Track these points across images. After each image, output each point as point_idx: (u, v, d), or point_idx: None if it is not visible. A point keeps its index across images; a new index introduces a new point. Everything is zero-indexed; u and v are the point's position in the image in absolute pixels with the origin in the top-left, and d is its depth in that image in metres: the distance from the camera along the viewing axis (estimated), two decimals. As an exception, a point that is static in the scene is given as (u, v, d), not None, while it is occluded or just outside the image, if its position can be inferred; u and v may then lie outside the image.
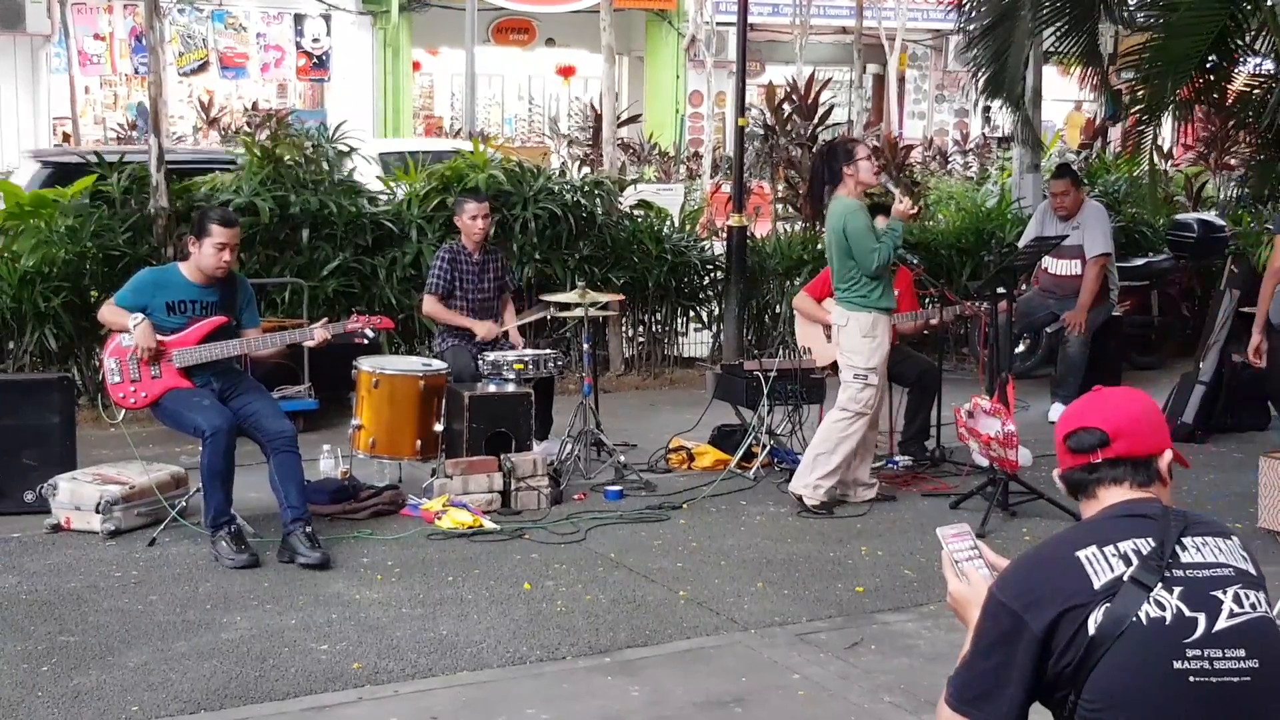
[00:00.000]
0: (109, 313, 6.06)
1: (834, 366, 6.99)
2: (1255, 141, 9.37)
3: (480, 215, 7.42)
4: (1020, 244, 9.08)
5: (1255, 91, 8.64)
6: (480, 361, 7.10)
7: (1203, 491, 7.17)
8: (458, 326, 7.37)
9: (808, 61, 18.43)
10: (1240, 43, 7.91)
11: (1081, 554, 2.30)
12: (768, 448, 7.34)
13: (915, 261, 7.80)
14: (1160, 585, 2.25)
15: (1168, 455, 2.44)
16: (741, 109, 10.19)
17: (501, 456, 6.63)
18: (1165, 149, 14.15)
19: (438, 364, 7.07)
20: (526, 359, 7.04)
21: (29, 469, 6.31)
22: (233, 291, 6.06)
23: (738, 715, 4.39)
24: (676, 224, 10.41)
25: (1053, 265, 8.91)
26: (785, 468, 7.20)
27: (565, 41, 24.90)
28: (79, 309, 8.25)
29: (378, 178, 10.45)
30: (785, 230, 11.17)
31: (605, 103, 11.17)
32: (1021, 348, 9.72)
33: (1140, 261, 10.82)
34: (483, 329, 7.32)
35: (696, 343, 10.57)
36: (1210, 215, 12.13)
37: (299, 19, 23.06)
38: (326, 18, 23.04)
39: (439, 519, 6.24)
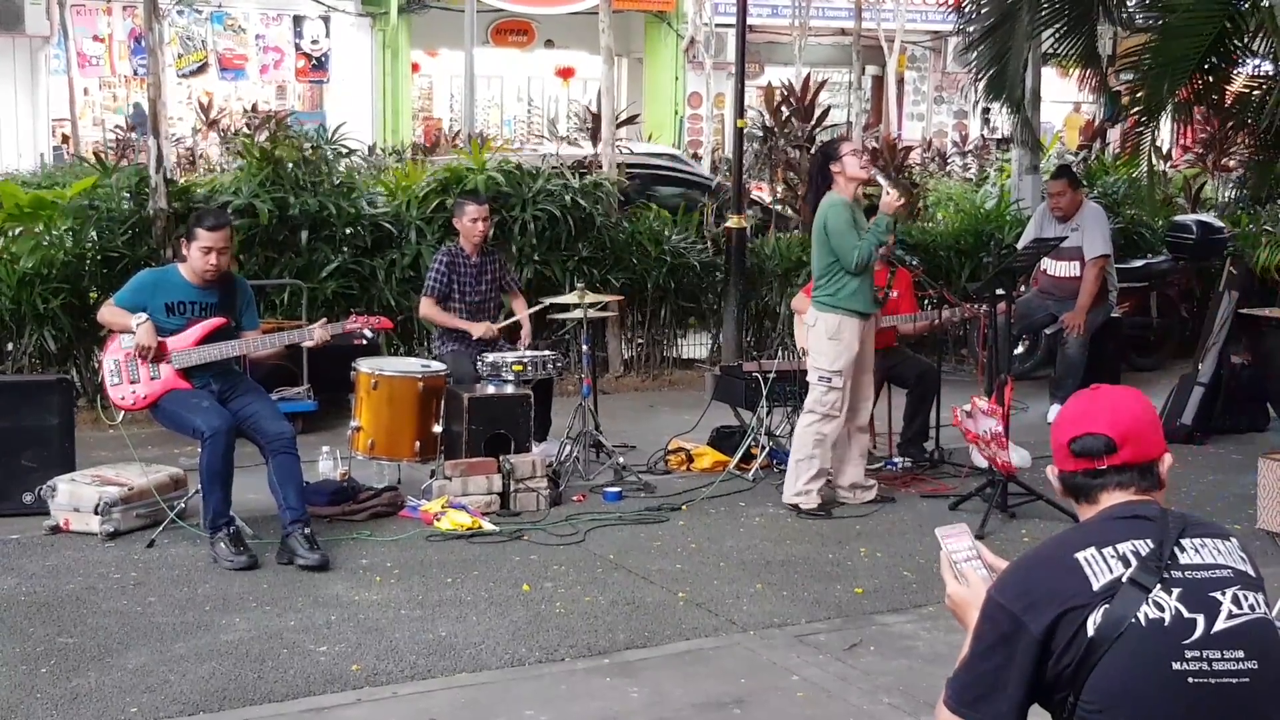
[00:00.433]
0: (109, 314, 6.05)
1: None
2: (1254, 143, 9.38)
3: (480, 218, 7.42)
4: (1019, 245, 9.08)
5: (1254, 93, 8.64)
6: (479, 362, 7.10)
7: (1202, 493, 7.16)
8: (455, 329, 7.37)
9: (807, 63, 18.42)
10: (1239, 44, 7.91)
11: (1080, 555, 2.30)
12: (767, 449, 7.35)
13: (914, 263, 7.80)
14: (1159, 587, 2.25)
15: (1168, 459, 2.45)
16: (740, 110, 10.19)
17: (500, 458, 6.63)
18: (1164, 150, 14.16)
19: (436, 365, 7.07)
20: (525, 360, 7.04)
21: (28, 470, 6.30)
22: (232, 293, 6.05)
23: (737, 717, 4.39)
24: (675, 225, 10.40)
25: (1052, 267, 8.91)
26: (784, 469, 7.19)
27: (564, 43, 24.90)
28: (78, 310, 8.25)
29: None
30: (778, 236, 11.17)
31: (604, 104, 11.16)
32: (1020, 349, 9.73)
33: (1139, 263, 10.83)
34: (479, 329, 7.31)
35: (695, 344, 10.57)
36: (1209, 217, 12.13)
37: (298, 21, 23.06)
38: (325, 19, 23.05)
39: (438, 520, 6.24)
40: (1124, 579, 2.26)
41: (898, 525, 6.52)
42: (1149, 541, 2.30)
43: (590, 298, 7.37)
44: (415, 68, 25.35)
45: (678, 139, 24.07)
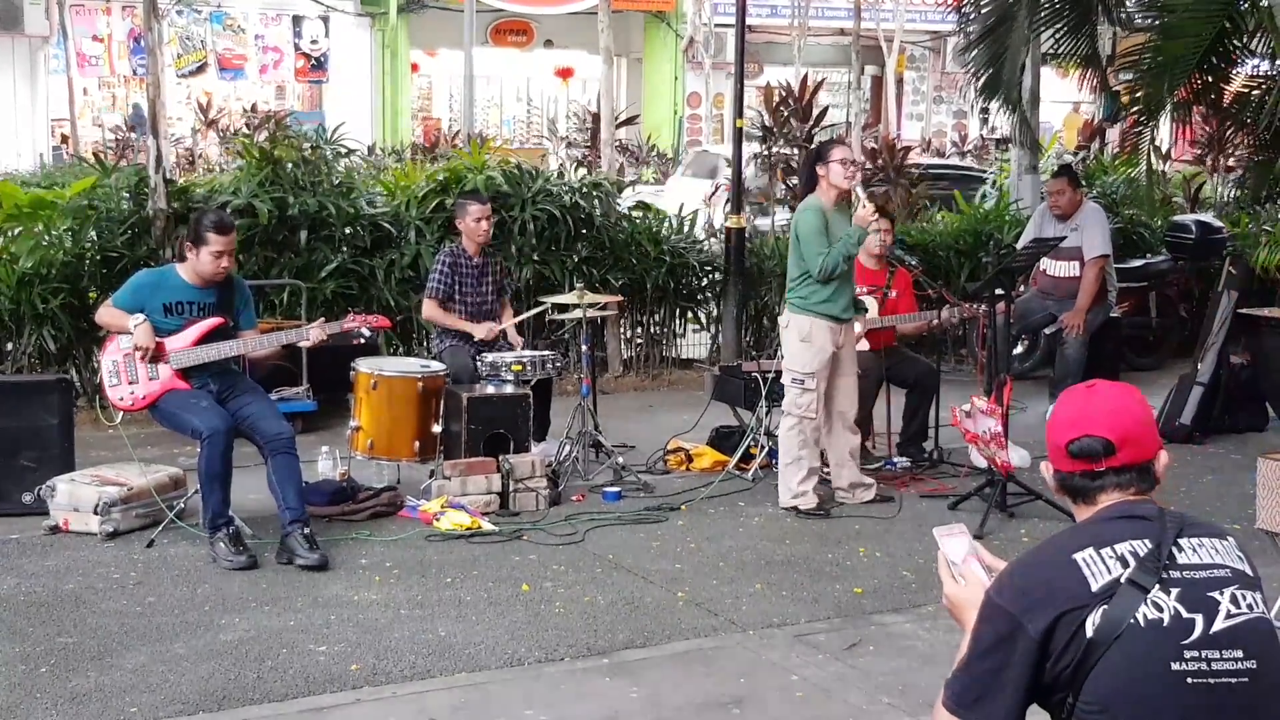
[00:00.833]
0: (107, 314, 6.06)
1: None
2: (1253, 142, 9.38)
3: (484, 217, 7.42)
4: (1019, 245, 9.08)
5: (1253, 92, 8.64)
6: (479, 362, 7.10)
7: (1201, 493, 7.16)
8: (457, 329, 7.37)
9: (806, 63, 18.45)
10: (1238, 43, 7.91)
11: (1078, 556, 2.30)
12: (766, 449, 7.34)
13: (914, 263, 7.80)
14: (1158, 587, 2.25)
15: (1164, 457, 2.45)
16: (740, 110, 10.19)
17: (500, 458, 6.63)
18: (1164, 150, 14.15)
19: (436, 365, 7.07)
20: (525, 360, 7.04)
21: (27, 470, 6.31)
22: (230, 293, 6.05)
23: (736, 716, 4.39)
24: (674, 225, 10.40)
25: (1051, 267, 8.91)
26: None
27: (563, 43, 24.92)
28: (77, 310, 8.25)
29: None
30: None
31: (603, 104, 11.17)
32: (1020, 349, 9.72)
33: (1138, 263, 10.82)
34: (481, 330, 7.31)
35: (695, 344, 10.57)
36: (1208, 217, 12.13)
37: (297, 20, 23.09)
38: (325, 19, 23.07)
39: (437, 520, 6.24)
40: (1122, 579, 2.26)
41: (897, 525, 6.52)
42: (1147, 542, 2.30)
43: (590, 298, 7.37)
44: (414, 68, 25.38)
45: (677, 139, 24.09)
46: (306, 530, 5.73)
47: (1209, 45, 7.64)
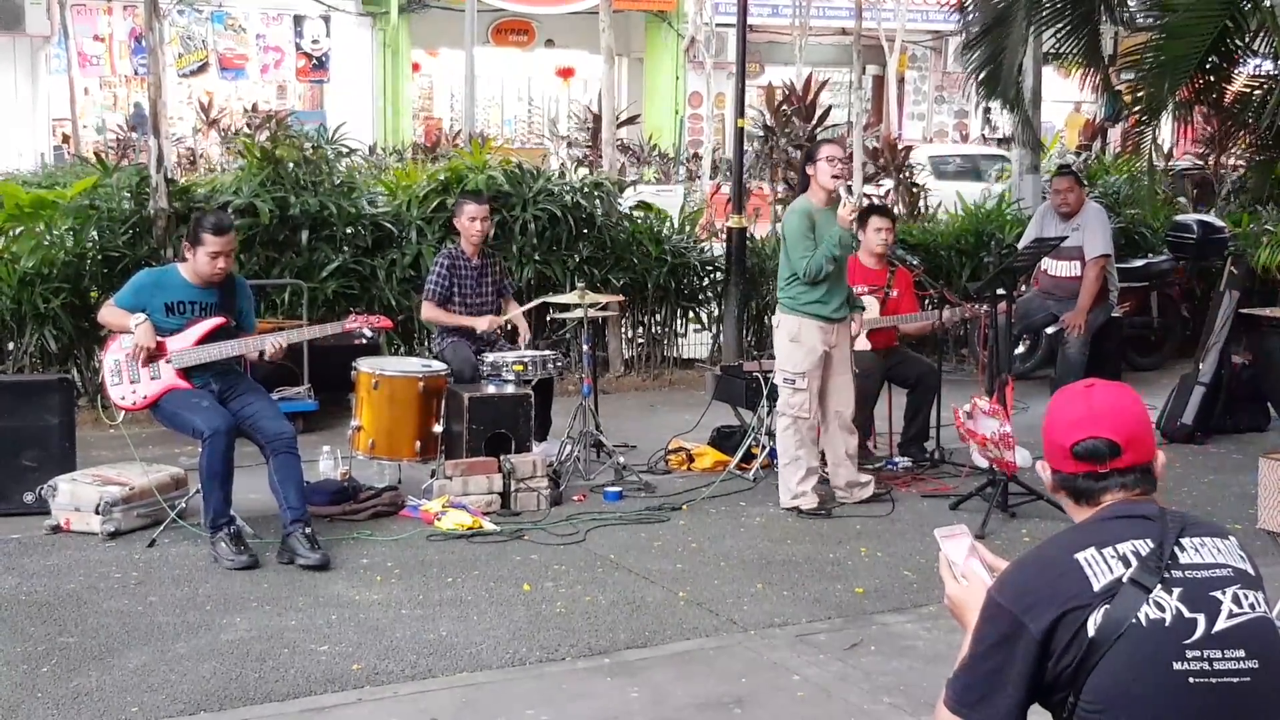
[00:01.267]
0: (109, 314, 6.06)
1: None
2: (1255, 142, 9.38)
3: (480, 217, 7.41)
4: (1020, 245, 9.08)
5: (1255, 92, 8.64)
6: (480, 361, 7.10)
7: (1202, 493, 7.16)
8: (458, 326, 7.37)
9: (807, 63, 18.44)
10: (1240, 43, 7.91)
11: (1080, 556, 2.30)
12: (767, 449, 7.33)
13: (915, 262, 7.79)
14: (1159, 586, 2.25)
15: (1161, 456, 2.45)
16: (741, 110, 10.18)
17: (501, 458, 6.63)
18: (1166, 150, 14.15)
19: (437, 365, 7.07)
20: (526, 360, 7.04)
21: (29, 470, 6.31)
22: (232, 292, 6.05)
23: (737, 716, 4.39)
24: (676, 225, 10.41)
25: (1052, 266, 8.91)
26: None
27: (564, 43, 24.92)
28: (79, 310, 8.25)
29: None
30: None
31: (604, 104, 11.16)
32: (1021, 349, 9.72)
33: (1140, 262, 10.82)
34: (482, 323, 7.32)
35: (696, 344, 10.57)
36: (1210, 216, 12.13)
37: (298, 20, 23.09)
38: (326, 19, 23.07)
39: (438, 520, 6.24)
40: (1124, 579, 2.26)
41: (898, 525, 6.52)
42: (1149, 541, 2.30)
43: (591, 297, 7.37)
44: (416, 67, 25.38)
45: (678, 139, 24.09)
46: (308, 530, 5.73)
47: (1211, 45, 7.64)
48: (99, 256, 8.37)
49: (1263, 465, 6.27)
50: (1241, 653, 2.23)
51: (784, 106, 12.13)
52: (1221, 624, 2.24)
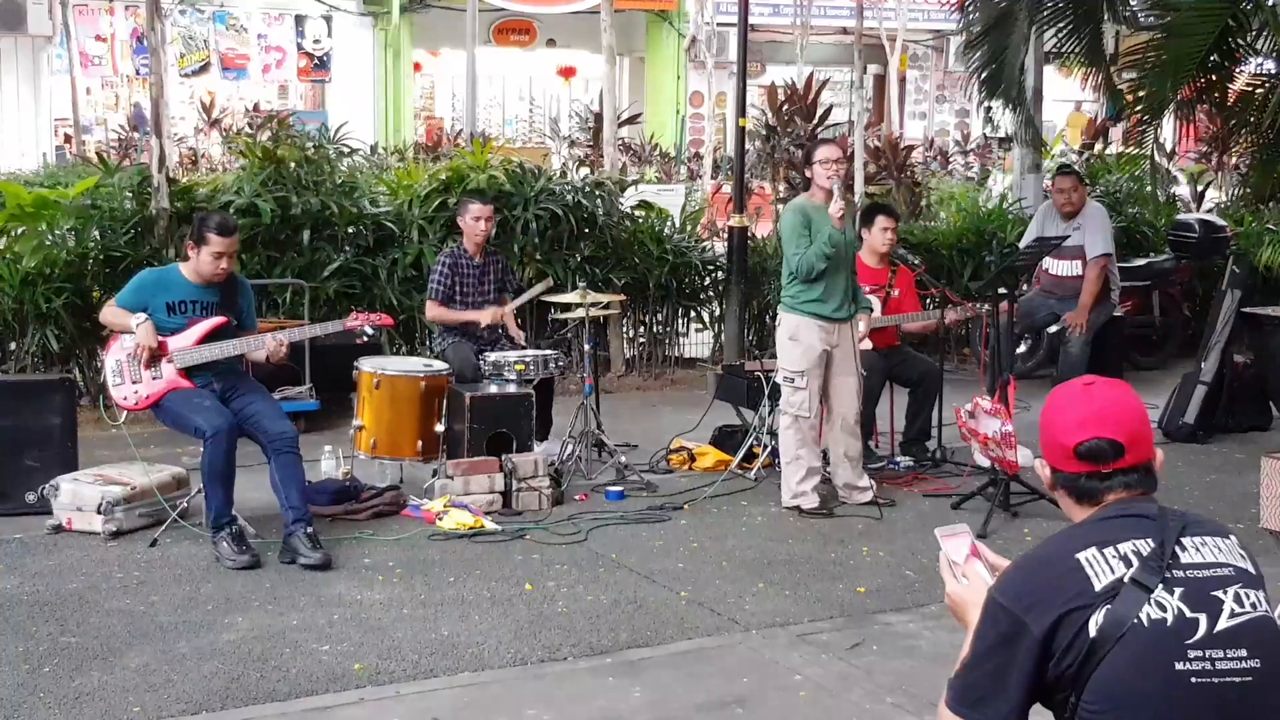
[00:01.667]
0: (110, 314, 6.06)
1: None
2: (1258, 141, 9.37)
3: (483, 217, 7.42)
4: (1021, 244, 9.08)
5: (1257, 91, 8.63)
6: (481, 361, 7.11)
7: (1204, 492, 7.16)
8: (462, 323, 7.37)
9: (808, 62, 18.44)
10: (1242, 42, 7.91)
11: (1082, 556, 2.30)
12: (769, 448, 7.33)
13: (916, 262, 7.79)
14: (1161, 586, 2.25)
15: (1159, 455, 2.45)
16: (742, 109, 10.18)
17: (503, 457, 6.63)
18: (1168, 149, 14.13)
19: (439, 365, 7.07)
20: (527, 360, 7.05)
21: (31, 470, 6.31)
22: (234, 292, 6.06)
23: (739, 716, 4.39)
24: (677, 225, 10.41)
25: (1054, 266, 8.91)
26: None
27: (566, 42, 24.89)
28: (80, 310, 8.26)
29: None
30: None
31: (606, 103, 11.17)
32: (1023, 348, 9.72)
33: (1141, 262, 10.82)
34: (486, 315, 7.33)
35: (697, 343, 10.57)
36: (1212, 215, 12.12)
37: (300, 20, 23.06)
38: (327, 19, 23.05)
39: (440, 520, 6.24)
40: (1126, 579, 2.25)
41: (900, 524, 6.52)
42: (1150, 541, 2.30)
43: (592, 297, 7.38)
44: (417, 67, 25.36)
45: (679, 138, 24.08)
46: (309, 529, 5.74)
47: (1213, 44, 7.64)
48: (101, 256, 8.38)
49: (1265, 464, 6.27)
50: (1243, 652, 2.23)
51: (785, 106, 12.12)
52: (1223, 623, 2.24)
